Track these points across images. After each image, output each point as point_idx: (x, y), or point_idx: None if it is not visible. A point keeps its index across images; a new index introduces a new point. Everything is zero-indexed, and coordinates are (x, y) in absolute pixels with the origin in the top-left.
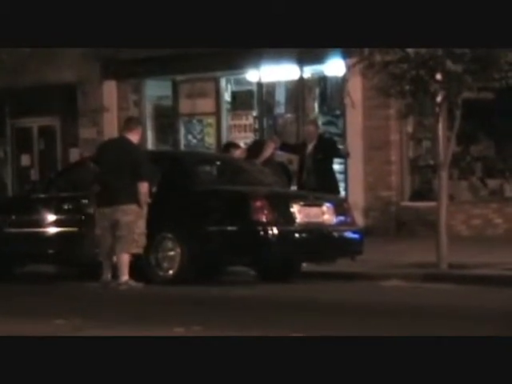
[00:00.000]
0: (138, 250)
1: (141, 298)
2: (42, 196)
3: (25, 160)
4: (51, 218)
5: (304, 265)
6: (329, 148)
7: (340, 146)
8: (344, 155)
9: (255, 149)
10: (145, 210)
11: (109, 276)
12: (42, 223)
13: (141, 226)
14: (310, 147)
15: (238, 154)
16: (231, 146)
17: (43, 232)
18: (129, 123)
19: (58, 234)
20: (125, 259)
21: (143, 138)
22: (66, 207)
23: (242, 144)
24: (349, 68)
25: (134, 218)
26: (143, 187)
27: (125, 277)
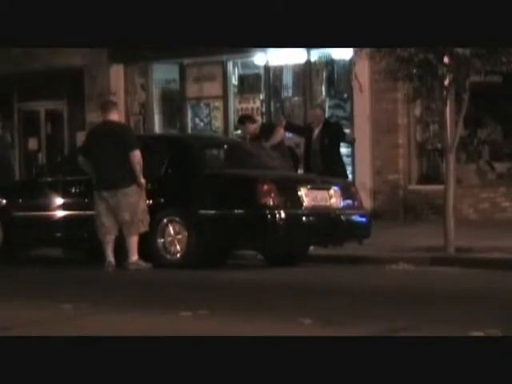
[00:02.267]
0: (145, 229)
1: (147, 282)
2: (50, 180)
3: (32, 144)
4: (58, 201)
5: (313, 248)
6: (335, 133)
7: (346, 130)
8: (350, 141)
9: (264, 132)
10: (143, 184)
11: (112, 259)
12: (49, 207)
13: (142, 205)
14: (317, 131)
15: (252, 128)
16: (247, 119)
17: (51, 216)
18: (106, 106)
19: (65, 218)
20: (134, 241)
21: (151, 122)
22: (73, 191)
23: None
24: (356, 51)
25: (135, 199)
26: (135, 156)
27: (134, 257)
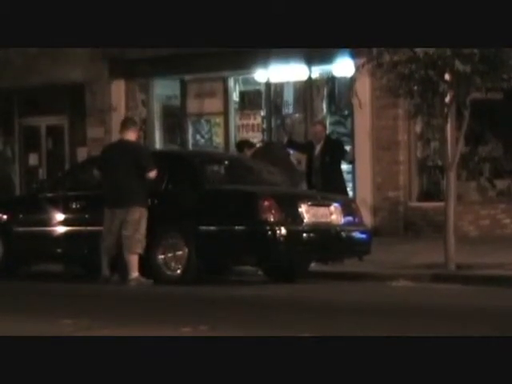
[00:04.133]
0: (140, 251)
1: (148, 298)
2: (50, 195)
3: (32, 159)
4: (59, 217)
5: (313, 265)
6: (336, 150)
7: (347, 147)
8: (350, 161)
9: (264, 151)
10: (146, 209)
11: (107, 272)
12: (49, 222)
13: (144, 227)
14: (318, 148)
15: (249, 153)
16: (246, 145)
17: (51, 231)
18: (126, 124)
19: (65, 233)
20: (134, 258)
21: (151, 138)
22: (73, 206)
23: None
24: (357, 68)
25: (138, 218)
26: (153, 174)
27: (134, 273)
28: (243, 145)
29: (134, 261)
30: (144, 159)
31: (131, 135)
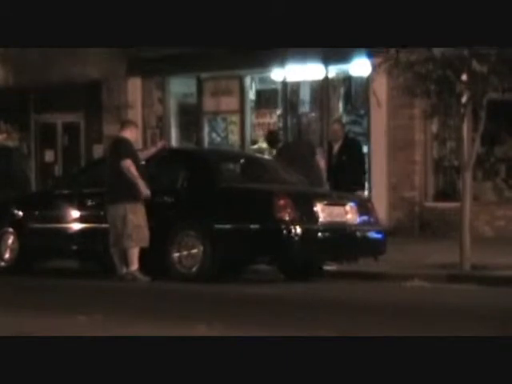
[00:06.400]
0: (140, 244)
1: (162, 295)
2: (66, 192)
3: (48, 156)
4: (74, 213)
5: (329, 264)
6: (354, 151)
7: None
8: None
9: (288, 148)
10: (137, 203)
11: (123, 269)
12: (64, 219)
13: (133, 221)
14: (336, 148)
15: (277, 148)
16: (275, 139)
17: (66, 228)
18: (123, 123)
19: (80, 230)
20: (131, 252)
21: (167, 136)
22: (89, 203)
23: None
24: (374, 67)
25: (123, 214)
26: (125, 163)
27: (131, 267)
28: (273, 138)
29: (130, 255)
30: (116, 152)
31: (127, 133)
